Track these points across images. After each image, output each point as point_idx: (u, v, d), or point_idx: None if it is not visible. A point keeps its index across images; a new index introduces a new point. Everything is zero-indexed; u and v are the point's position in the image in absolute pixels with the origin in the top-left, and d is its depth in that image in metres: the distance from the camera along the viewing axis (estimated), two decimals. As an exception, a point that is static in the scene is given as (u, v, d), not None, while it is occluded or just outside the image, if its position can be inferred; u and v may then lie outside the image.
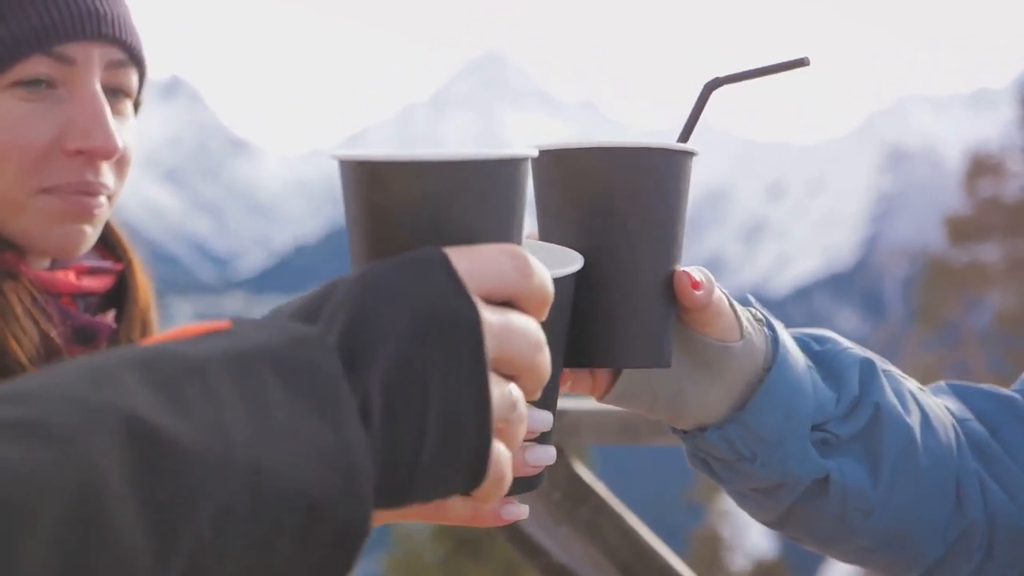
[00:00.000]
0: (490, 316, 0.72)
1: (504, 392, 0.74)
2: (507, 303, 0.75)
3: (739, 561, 29.18)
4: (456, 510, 0.84)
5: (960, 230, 24.97)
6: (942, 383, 1.35)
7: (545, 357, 0.77)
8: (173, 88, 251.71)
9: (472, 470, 0.72)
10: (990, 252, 24.88)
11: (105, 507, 0.56)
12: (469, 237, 0.76)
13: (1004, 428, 1.28)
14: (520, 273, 0.75)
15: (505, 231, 0.78)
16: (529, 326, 0.75)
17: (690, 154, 1.05)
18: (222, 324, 0.69)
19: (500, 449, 0.74)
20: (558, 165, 1.04)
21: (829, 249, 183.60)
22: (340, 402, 0.66)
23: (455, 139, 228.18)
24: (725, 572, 27.72)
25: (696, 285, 1.05)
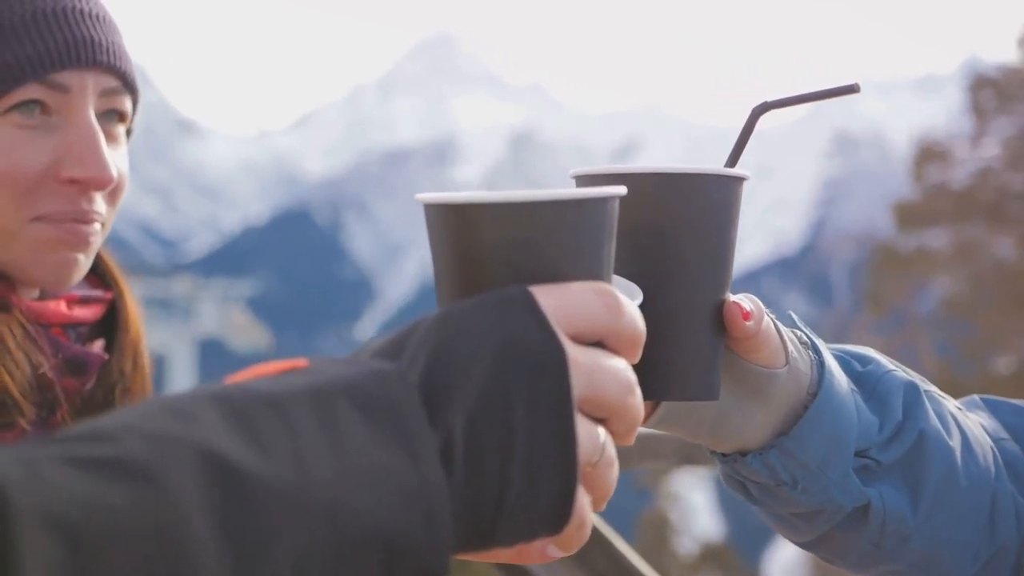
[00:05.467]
0: (578, 355, 0.70)
1: (592, 435, 0.70)
2: (597, 343, 0.72)
3: (686, 544, 29.29)
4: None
5: (907, 216, 25.09)
6: (975, 397, 1.31)
7: (637, 399, 0.73)
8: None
9: (556, 514, 0.68)
10: (937, 238, 25.02)
11: (183, 544, 0.55)
12: (557, 276, 0.73)
13: None
14: (609, 311, 0.72)
15: (594, 269, 0.75)
16: (619, 366, 0.73)
17: (741, 179, 1.03)
18: (299, 362, 0.68)
19: (583, 494, 0.70)
20: None
21: (777, 234, 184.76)
22: (420, 439, 0.64)
23: (405, 121, 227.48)
24: (673, 555, 27.80)
25: (747, 316, 1.02)
